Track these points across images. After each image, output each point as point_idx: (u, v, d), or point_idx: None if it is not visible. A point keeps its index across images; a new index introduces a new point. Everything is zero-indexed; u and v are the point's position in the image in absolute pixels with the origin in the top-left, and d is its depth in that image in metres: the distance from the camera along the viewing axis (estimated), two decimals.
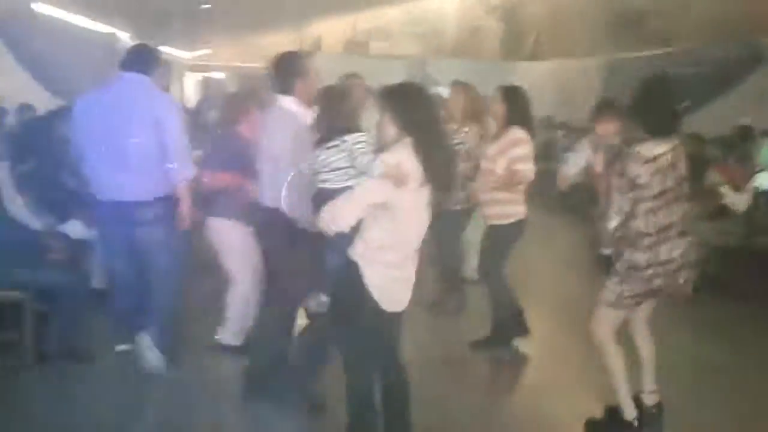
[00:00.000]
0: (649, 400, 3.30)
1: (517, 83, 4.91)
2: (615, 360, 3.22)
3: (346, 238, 2.76)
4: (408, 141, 2.66)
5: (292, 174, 3.14)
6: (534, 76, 12.61)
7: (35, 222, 3.92)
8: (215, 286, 4.40)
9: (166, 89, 4.45)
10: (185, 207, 3.78)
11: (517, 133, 4.19)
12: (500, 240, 4.31)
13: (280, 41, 18.34)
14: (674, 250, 3.06)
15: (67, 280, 3.83)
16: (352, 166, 3.09)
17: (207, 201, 4.07)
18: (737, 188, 5.84)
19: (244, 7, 17.75)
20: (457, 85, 5.09)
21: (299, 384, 3.45)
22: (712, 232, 5.74)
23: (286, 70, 3.40)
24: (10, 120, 7.23)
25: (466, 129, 4.82)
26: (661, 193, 3.03)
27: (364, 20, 17.89)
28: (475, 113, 4.90)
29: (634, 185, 3.02)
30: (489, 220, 4.35)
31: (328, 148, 3.07)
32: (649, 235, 3.04)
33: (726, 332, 5.01)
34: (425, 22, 18.10)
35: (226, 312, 4.12)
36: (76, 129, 3.87)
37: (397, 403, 2.90)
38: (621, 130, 3.80)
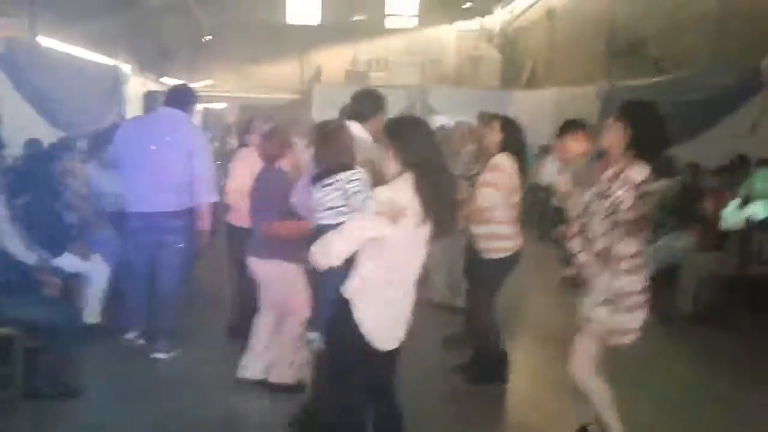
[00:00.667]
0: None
1: (515, 112, 4.83)
2: (601, 394, 3.13)
3: (339, 275, 2.72)
4: (408, 176, 2.63)
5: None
6: (532, 104, 12.66)
7: (30, 256, 3.88)
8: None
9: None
10: (206, 224, 4.47)
11: (498, 159, 4.08)
12: (492, 274, 4.20)
13: (281, 72, 18.60)
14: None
15: (60, 316, 3.81)
16: (345, 205, 3.04)
17: (266, 246, 3.82)
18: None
19: (245, 39, 18.02)
20: (485, 116, 4.80)
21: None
22: (708, 263, 5.75)
23: (370, 103, 3.59)
24: (10, 152, 7.24)
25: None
26: (641, 218, 2.96)
27: (363, 51, 18.09)
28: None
29: (617, 209, 2.92)
30: (481, 253, 4.19)
31: (324, 186, 3.03)
32: (633, 258, 2.95)
33: (724, 362, 4.97)
34: (424, 52, 18.29)
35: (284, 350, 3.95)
36: (118, 146, 4.56)
37: None
38: (586, 149, 3.68)
